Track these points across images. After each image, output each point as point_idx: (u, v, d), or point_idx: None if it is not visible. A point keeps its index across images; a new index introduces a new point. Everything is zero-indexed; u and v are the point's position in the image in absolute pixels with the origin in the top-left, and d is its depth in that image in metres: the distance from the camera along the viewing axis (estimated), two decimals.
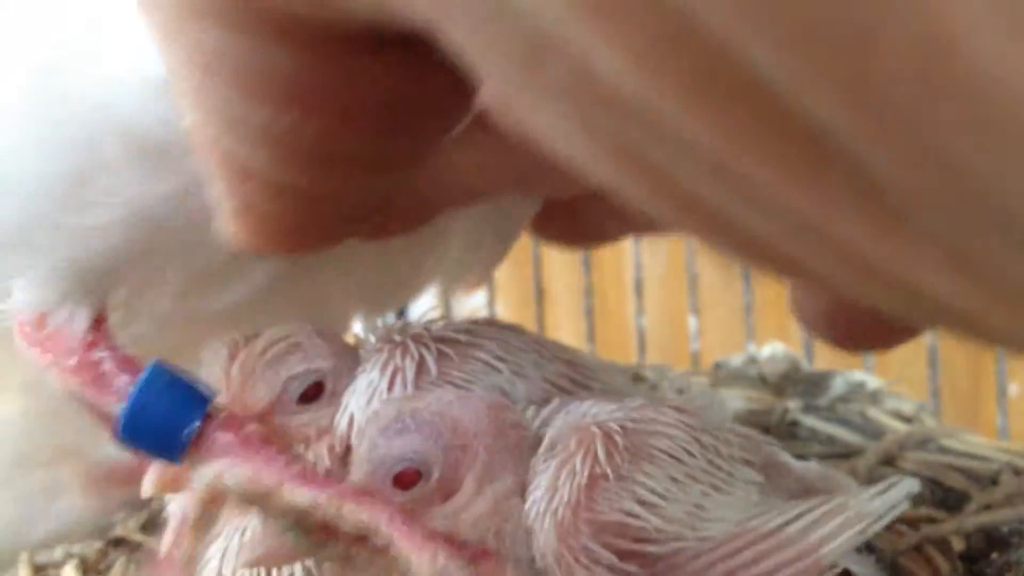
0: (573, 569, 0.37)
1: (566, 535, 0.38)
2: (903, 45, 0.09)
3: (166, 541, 0.43)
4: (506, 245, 0.54)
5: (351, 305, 0.54)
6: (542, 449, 0.40)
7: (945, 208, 0.10)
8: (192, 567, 0.41)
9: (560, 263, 0.97)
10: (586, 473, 0.38)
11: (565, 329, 0.92)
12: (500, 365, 0.45)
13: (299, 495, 0.37)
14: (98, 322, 0.42)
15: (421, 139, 0.20)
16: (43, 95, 0.38)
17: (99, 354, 0.42)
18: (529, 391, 0.45)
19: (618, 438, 0.39)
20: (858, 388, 0.68)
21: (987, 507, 0.51)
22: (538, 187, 0.34)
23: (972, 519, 0.50)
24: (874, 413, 0.63)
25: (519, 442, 0.41)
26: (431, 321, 0.48)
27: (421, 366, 0.43)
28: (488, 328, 0.46)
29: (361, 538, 0.38)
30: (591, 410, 0.41)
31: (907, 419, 0.62)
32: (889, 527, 0.50)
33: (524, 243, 0.90)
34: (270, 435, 0.43)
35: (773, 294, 0.87)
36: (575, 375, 0.47)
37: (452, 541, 0.38)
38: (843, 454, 0.59)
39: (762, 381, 0.72)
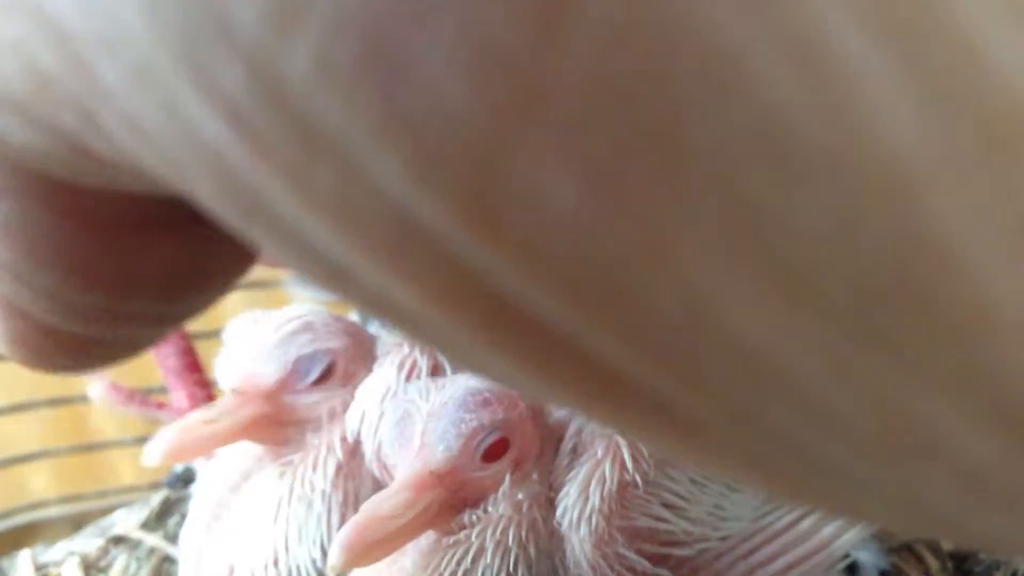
0: None
1: (601, 543, 0.38)
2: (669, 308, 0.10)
3: None
4: None
5: None
6: (563, 453, 0.41)
7: (729, 426, 0.11)
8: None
9: None
10: (616, 480, 0.38)
11: None
12: None
13: None
14: None
15: (205, 298, 0.19)
16: None
17: None
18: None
19: (642, 445, 0.39)
20: None
21: None
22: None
23: None
24: None
25: (548, 426, 0.41)
26: None
27: (436, 365, 0.44)
28: None
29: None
30: None
31: None
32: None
33: None
34: (278, 414, 0.44)
35: None
36: None
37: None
38: None
39: None
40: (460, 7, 0.09)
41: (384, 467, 0.40)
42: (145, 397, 0.55)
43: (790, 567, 0.40)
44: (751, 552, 0.40)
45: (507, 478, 0.38)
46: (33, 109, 0.14)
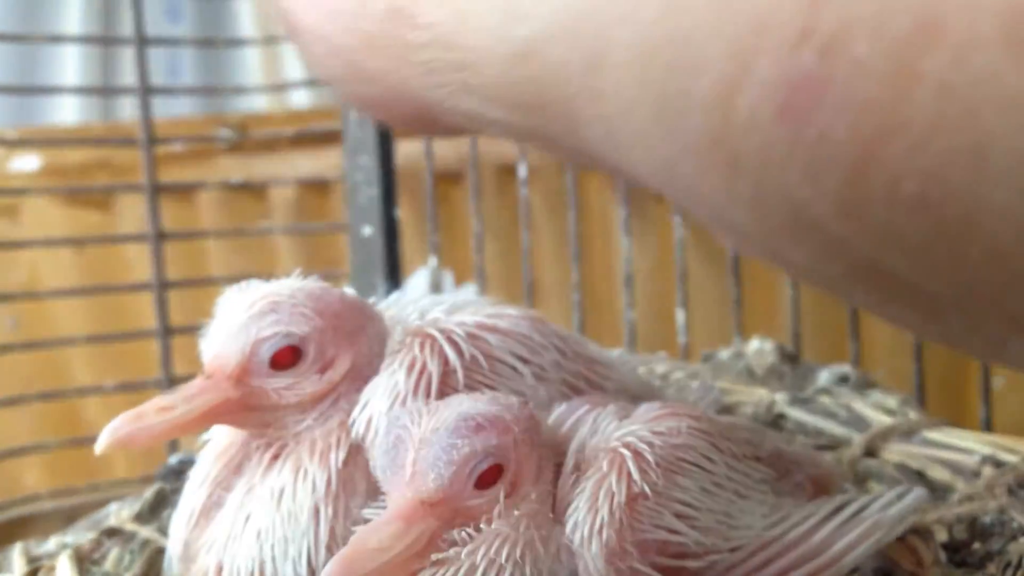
0: None
1: (614, 558, 0.37)
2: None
3: None
4: None
5: None
6: (567, 472, 0.40)
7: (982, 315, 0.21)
8: None
9: (551, 257, 0.98)
10: (624, 493, 0.38)
11: (556, 322, 0.92)
12: (524, 368, 0.44)
13: None
14: None
15: None
16: None
17: None
18: (549, 393, 0.44)
19: (648, 455, 0.38)
20: (843, 381, 0.68)
21: (969, 498, 0.52)
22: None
23: (955, 510, 0.50)
24: (859, 406, 0.64)
25: (552, 443, 0.41)
26: (458, 307, 0.46)
27: (447, 369, 0.42)
28: (514, 322, 0.45)
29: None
30: (609, 427, 0.41)
31: (891, 412, 0.63)
32: None
33: (516, 237, 0.90)
34: (247, 398, 0.42)
35: (761, 289, 0.88)
36: (591, 375, 0.46)
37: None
38: (829, 446, 0.60)
39: (749, 374, 0.72)
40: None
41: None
42: None
43: None
44: (763, 566, 0.40)
45: (501, 500, 0.37)
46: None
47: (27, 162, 1.03)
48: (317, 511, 0.41)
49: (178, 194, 0.98)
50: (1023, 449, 0.56)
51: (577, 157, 0.27)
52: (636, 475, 0.38)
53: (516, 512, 0.38)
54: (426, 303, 0.48)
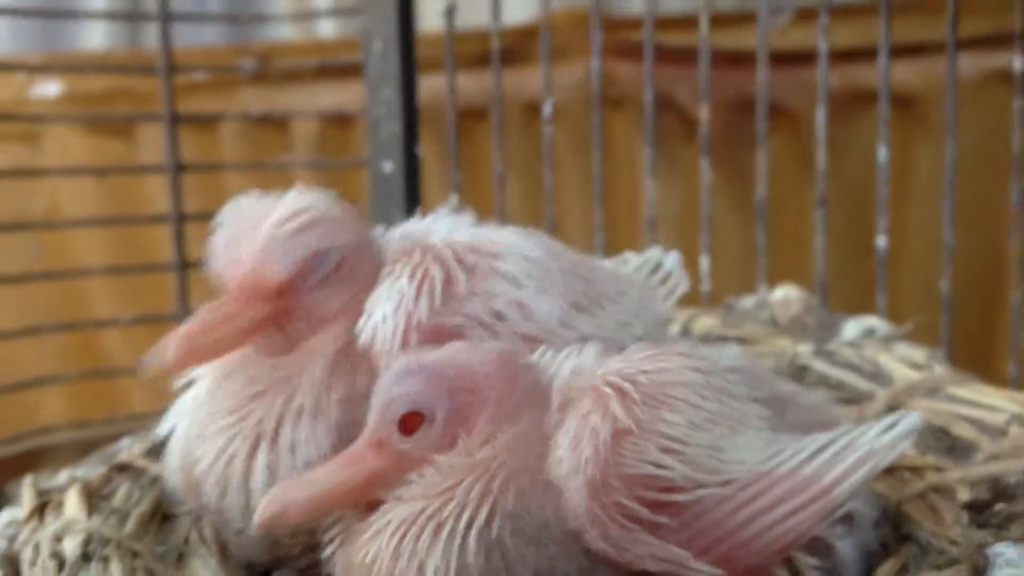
0: (608, 527, 0.38)
1: (598, 493, 0.38)
2: None
3: None
4: None
5: None
6: (554, 407, 0.40)
7: None
8: None
9: (575, 198, 0.96)
10: (608, 428, 0.38)
11: None
12: (527, 282, 0.45)
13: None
14: None
15: None
16: None
17: None
18: (551, 308, 0.45)
19: (632, 392, 0.39)
20: (870, 334, 0.67)
21: (994, 457, 0.50)
22: None
23: (979, 469, 0.49)
24: (885, 360, 0.62)
25: (534, 384, 0.41)
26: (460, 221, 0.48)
27: (449, 277, 0.44)
28: (515, 239, 0.47)
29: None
30: (591, 364, 0.41)
31: (918, 366, 0.61)
32: (894, 473, 0.50)
33: (538, 178, 0.89)
34: (287, 311, 0.43)
35: (788, 238, 0.86)
36: (590, 296, 0.47)
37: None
38: (851, 399, 0.59)
39: (773, 324, 0.71)
40: None
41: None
42: None
43: (791, 514, 0.39)
44: (753, 499, 0.39)
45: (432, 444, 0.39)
46: None
47: (48, 88, 1.02)
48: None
49: (199, 125, 0.97)
50: None
51: None
52: (620, 412, 0.38)
53: (478, 456, 0.39)
54: (434, 226, 0.49)
